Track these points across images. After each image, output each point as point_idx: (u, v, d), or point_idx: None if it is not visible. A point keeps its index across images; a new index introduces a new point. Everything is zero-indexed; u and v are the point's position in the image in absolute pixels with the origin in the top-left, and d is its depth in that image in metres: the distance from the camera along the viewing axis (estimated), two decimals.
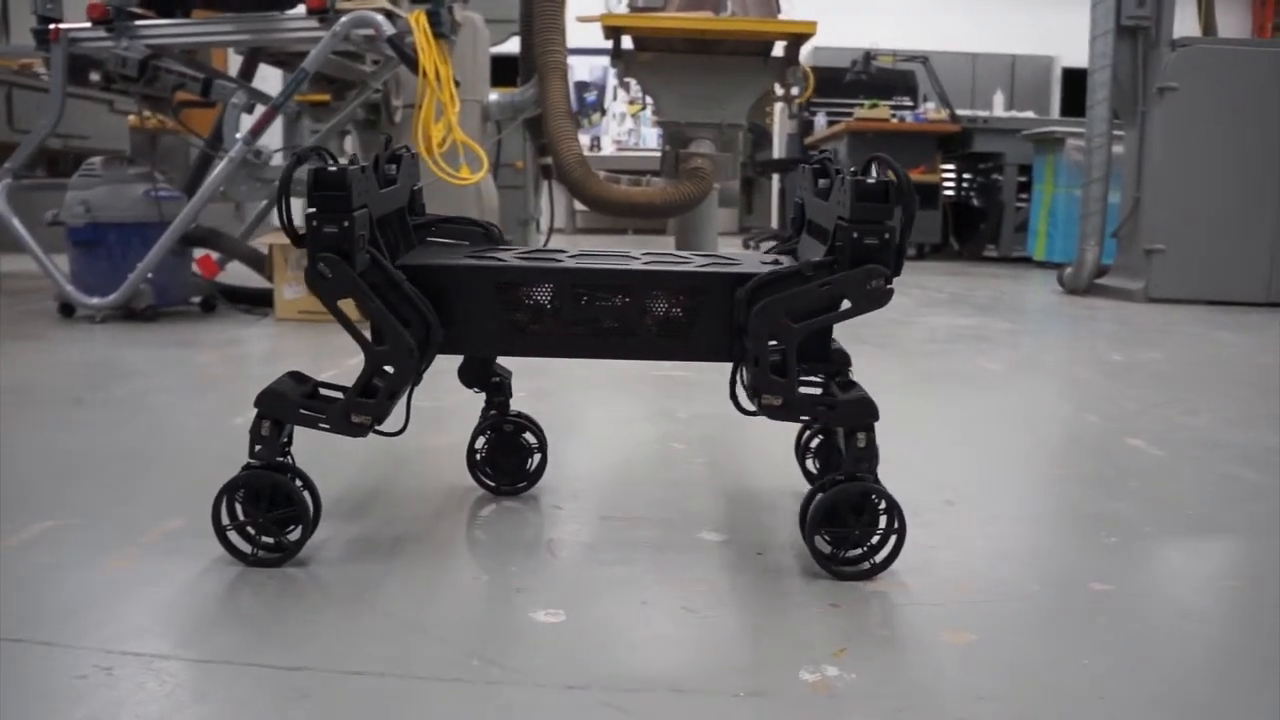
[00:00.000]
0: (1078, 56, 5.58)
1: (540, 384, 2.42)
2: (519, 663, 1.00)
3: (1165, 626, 1.13)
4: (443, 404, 2.22)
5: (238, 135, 3.47)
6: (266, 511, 1.25)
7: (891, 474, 1.70)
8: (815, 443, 1.60)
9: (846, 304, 1.23)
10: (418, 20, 3.40)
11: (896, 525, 1.23)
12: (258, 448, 1.26)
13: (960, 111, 8.45)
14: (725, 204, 4.90)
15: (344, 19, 3.38)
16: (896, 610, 1.15)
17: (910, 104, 9.73)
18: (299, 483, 1.27)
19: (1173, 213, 5.12)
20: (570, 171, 4.18)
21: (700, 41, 4.30)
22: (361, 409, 1.26)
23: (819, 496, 1.24)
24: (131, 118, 6.79)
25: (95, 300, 3.52)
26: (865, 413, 1.23)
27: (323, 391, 1.30)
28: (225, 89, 3.53)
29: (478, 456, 1.57)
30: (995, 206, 8.30)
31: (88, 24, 3.52)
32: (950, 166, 8.89)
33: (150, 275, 3.53)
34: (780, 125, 12.02)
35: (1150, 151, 5.17)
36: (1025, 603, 1.19)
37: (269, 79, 4.17)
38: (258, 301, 3.86)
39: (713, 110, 4.35)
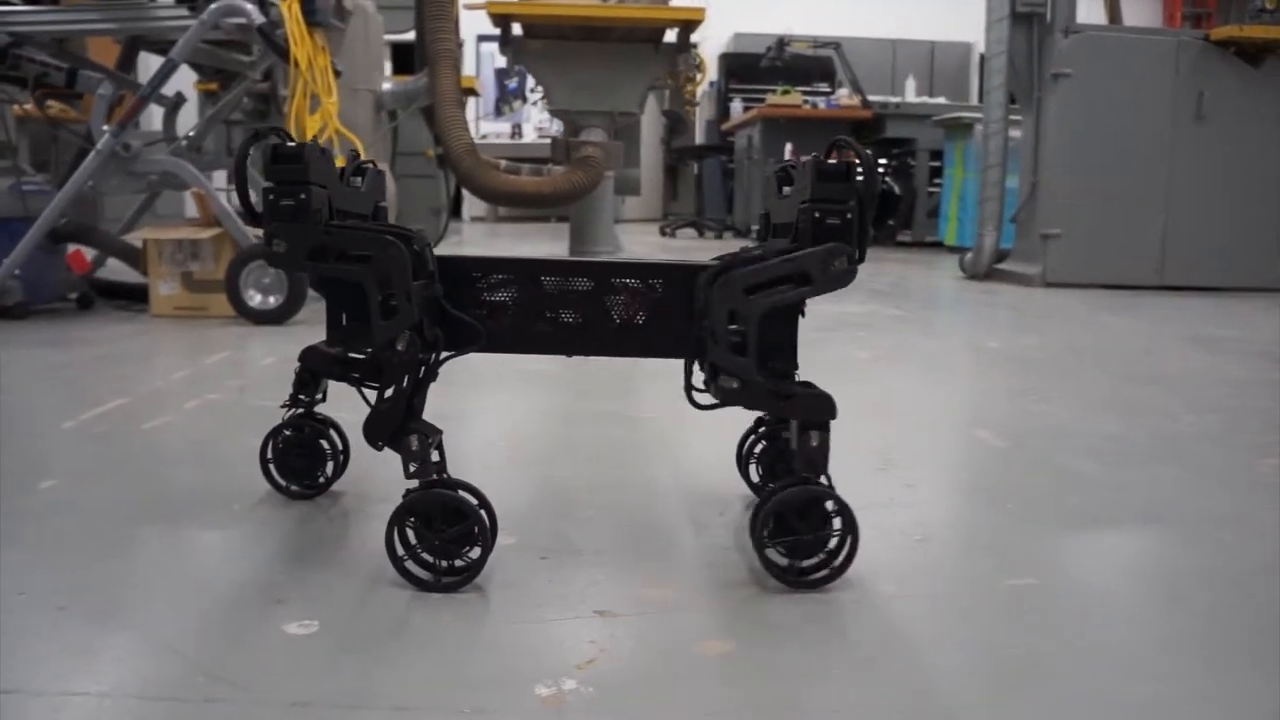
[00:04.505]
0: None
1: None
2: (249, 678, 0.97)
3: (936, 632, 1.12)
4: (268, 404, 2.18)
5: (105, 127, 3.37)
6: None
7: (699, 472, 1.70)
8: (760, 448, 1.55)
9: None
10: (289, 8, 3.32)
11: (848, 526, 1.21)
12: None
13: (873, 97, 8.50)
14: (622, 192, 4.87)
15: (213, 7, 3.30)
16: (663, 618, 1.13)
17: (828, 90, 9.78)
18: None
19: (1068, 198, 5.18)
20: (459, 161, 4.13)
21: (590, 28, 4.26)
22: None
23: (766, 505, 1.21)
24: (28, 106, 6.59)
25: None
26: (823, 409, 1.21)
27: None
28: (92, 79, 3.43)
29: (269, 453, 1.52)
30: (908, 192, 8.36)
31: None
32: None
33: (18, 272, 3.43)
34: (701, 112, 12.02)
35: (1046, 137, 5.23)
36: (806, 606, 1.18)
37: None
38: (134, 297, 3.77)
39: (604, 98, 4.32)
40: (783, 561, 1.22)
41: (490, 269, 1.31)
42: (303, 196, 1.21)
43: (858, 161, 1.21)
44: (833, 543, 1.21)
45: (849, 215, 1.19)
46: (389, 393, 1.20)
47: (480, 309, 1.32)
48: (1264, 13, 5.11)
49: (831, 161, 1.20)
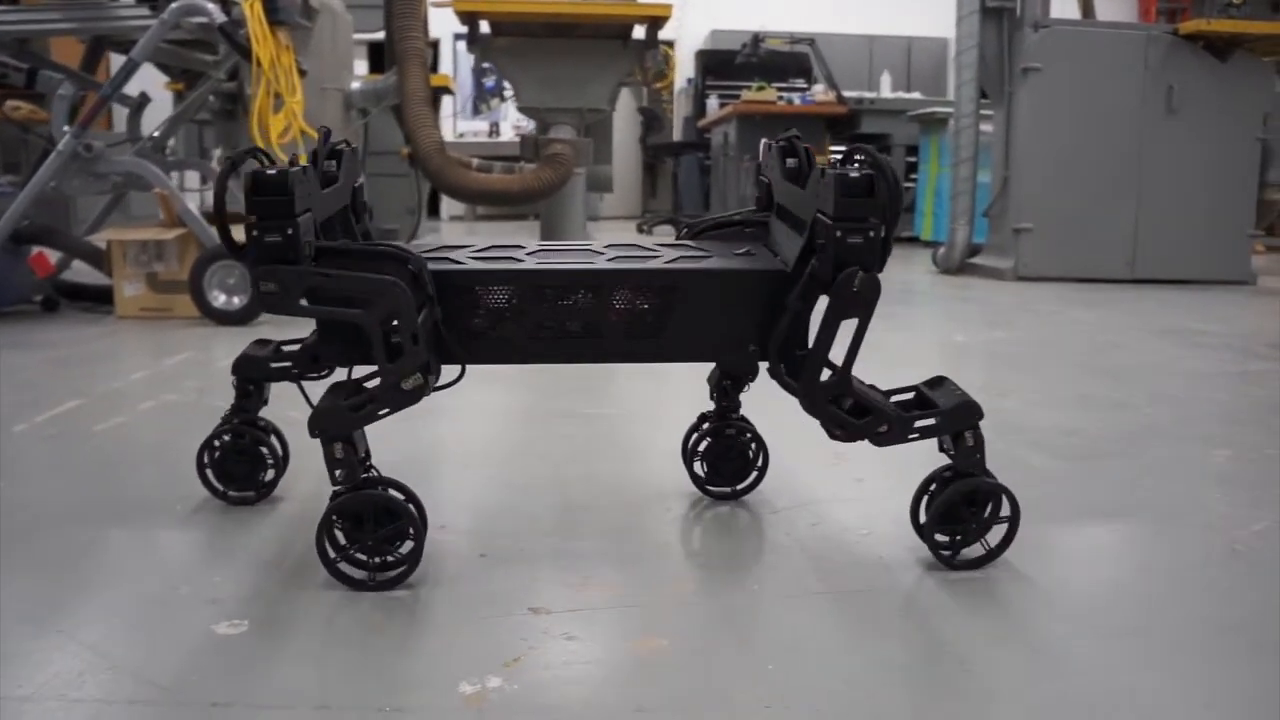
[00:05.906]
0: None
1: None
2: (174, 679, 0.96)
3: (875, 628, 1.12)
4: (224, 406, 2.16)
5: (66, 128, 3.35)
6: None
7: (646, 469, 1.69)
8: (705, 445, 1.56)
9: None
10: (252, 7, 3.30)
11: (1010, 512, 1.28)
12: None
13: (848, 93, 8.50)
14: (594, 188, 4.86)
15: (173, 6, 3.27)
16: (598, 616, 1.13)
17: (804, 85, 9.77)
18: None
19: (1040, 192, 5.19)
20: (428, 160, 4.12)
21: (558, 25, 4.25)
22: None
23: (938, 496, 1.28)
24: None
25: None
26: (970, 415, 1.26)
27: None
28: (52, 80, 3.40)
29: (207, 459, 1.50)
30: None
31: None
32: (840, 148, 8.93)
33: None
34: (678, 109, 12.02)
35: (1017, 131, 5.23)
36: (741, 603, 1.18)
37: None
38: (99, 299, 3.74)
39: (573, 95, 4.31)
40: (946, 549, 1.29)
41: (492, 280, 1.24)
42: (290, 232, 1.11)
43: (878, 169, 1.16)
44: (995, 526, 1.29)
45: (871, 234, 1.15)
46: (363, 405, 1.17)
47: (482, 320, 1.26)
48: (1231, 7, 5.14)
49: (854, 175, 1.15)
